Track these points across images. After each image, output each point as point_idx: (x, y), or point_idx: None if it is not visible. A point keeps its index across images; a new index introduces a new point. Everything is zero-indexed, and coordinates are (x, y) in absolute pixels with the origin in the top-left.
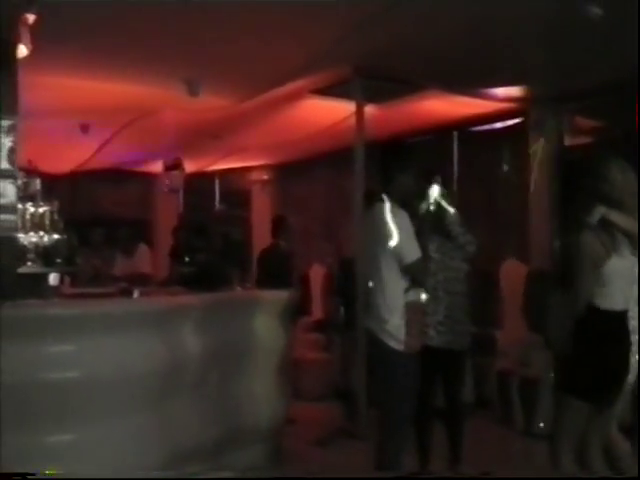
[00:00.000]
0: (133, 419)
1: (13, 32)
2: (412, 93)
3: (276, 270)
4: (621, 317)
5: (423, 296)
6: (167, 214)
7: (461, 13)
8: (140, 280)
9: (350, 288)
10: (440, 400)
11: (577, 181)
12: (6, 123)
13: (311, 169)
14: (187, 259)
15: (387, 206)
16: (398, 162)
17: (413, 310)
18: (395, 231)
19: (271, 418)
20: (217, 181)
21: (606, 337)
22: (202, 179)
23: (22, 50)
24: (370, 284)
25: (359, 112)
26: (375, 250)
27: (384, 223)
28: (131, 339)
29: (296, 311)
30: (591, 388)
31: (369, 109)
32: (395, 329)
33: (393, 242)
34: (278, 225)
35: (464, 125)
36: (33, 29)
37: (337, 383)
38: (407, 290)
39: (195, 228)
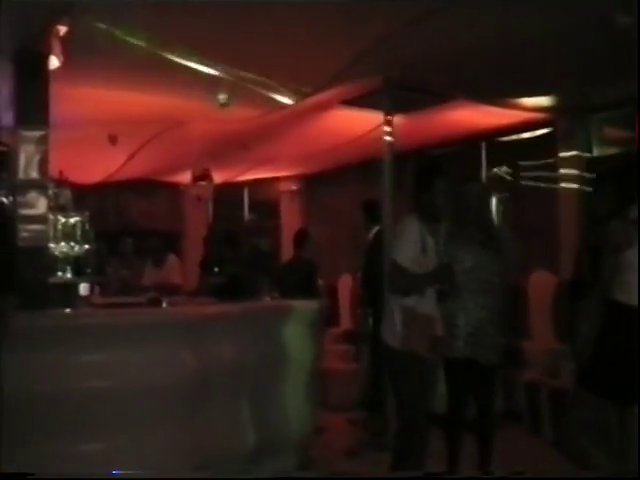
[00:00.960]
0: (164, 429)
1: (45, 44)
2: (441, 103)
3: (299, 283)
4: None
5: (426, 303)
6: (196, 224)
7: (490, 24)
8: (169, 290)
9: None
10: (472, 410)
11: (605, 188)
12: (37, 134)
13: (340, 179)
14: (216, 269)
15: (411, 216)
16: (425, 178)
17: (409, 314)
18: (400, 235)
19: (300, 428)
20: (246, 191)
21: (626, 332)
22: (231, 189)
23: (53, 62)
24: None
25: (388, 122)
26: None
27: (396, 230)
28: (161, 349)
29: (325, 322)
30: (611, 385)
31: (398, 119)
32: (395, 329)
33: (395, 243)
34: (300, 238)
35: (492, 135)
36: (64, 41)
37: (365, 394)
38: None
39: (224, 238)
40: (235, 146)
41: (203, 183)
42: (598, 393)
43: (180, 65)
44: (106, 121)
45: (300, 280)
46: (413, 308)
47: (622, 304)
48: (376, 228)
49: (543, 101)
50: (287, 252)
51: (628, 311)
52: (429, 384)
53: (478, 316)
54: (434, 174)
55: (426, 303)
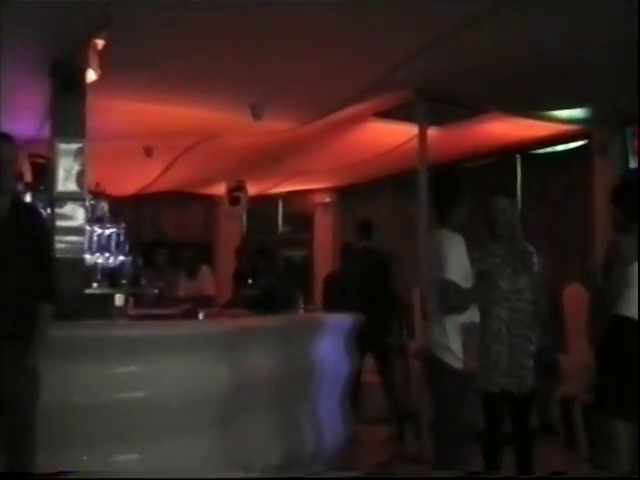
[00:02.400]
0: (198, 440)
1: (82, 58)
2: (475, 116)
3: (371, 274)
4: None
5: (477, 319)
6: (230, 236)
7: (524, 36)
8: (203, 302)
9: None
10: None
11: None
12: (75, 147)
13: (374, 192)
14: (250, 281)
15: (443, 231)
16: (452, 192)
17: (469, 332)
18: (446, 253)
19: (334, 440)
20: (280, 203)
21: (632, 348)
22: (265, 202)
23: (91, 75)
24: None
25: (422, 135)
26: (435, 272)
27: (439, 246)
28: (197, 361)
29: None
30: (623, 403)
31: (432, 132)
32: (454, 349)
33: (443, 262)
34: (366, 228)
35: (527, 148)
36: (102, 54)
37: (398, 406)
38: (460, 312)
39: (258, 250)
40: (269, 158)
41: (237, 195)
42: (610, 412)
43: (214, 78)
44: (141, 133)
45: (373, 271)
46: (471, 325)
47: (627, 318)
48: (363, 243)
49: (578, 113)
50: (321, 264)
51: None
52: (479, 403)
53: (510, 346)
54: (462, 186)
55: (475, 319)
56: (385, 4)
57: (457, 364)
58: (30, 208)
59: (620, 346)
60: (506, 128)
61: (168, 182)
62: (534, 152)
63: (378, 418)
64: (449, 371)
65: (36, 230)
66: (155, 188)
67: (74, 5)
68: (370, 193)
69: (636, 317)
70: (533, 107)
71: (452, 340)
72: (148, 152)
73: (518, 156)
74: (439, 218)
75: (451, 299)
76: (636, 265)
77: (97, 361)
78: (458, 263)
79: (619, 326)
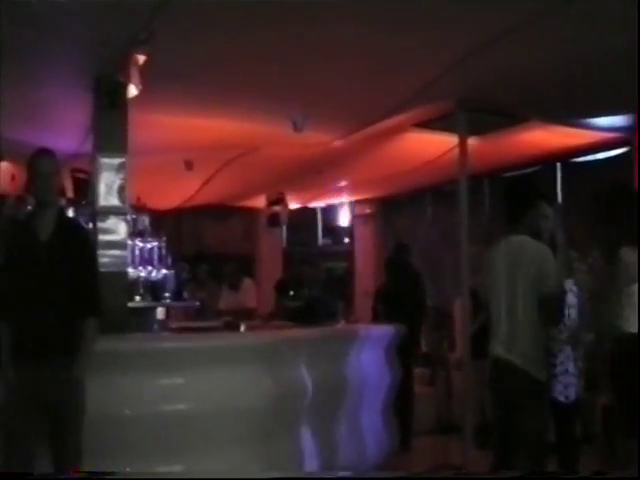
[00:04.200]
0: (240, 451)
1: (124, 73)
2: (515, 125)
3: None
4: None
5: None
6: (270, 249)
7: (564, 44)
8: (245, 314)
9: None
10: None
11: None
12: (116, 161)
13: (414, 203)
14: (292, 293)
15: (525, 238)
16: (526, 196)
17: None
18: (538, 261)
19: (377, 452)
20: (320, 215)
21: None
22: (305, 214)
23: (132, 90)
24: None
25: (462, 145)
26: (515, 281)
27: (526, 254)
28: (239, 372)
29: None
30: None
31: (472, 141)
32: (543, 362)
33: (536, 271)
34: (404, 248)
35: (568, 156)
36: (143, 69)
37: (442, 417)
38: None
39: (300, 262)
40: (309, 171)
41: (278, 207)
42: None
43: (255, 91)
44: (182, 147)
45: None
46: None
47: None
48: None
49: (618, 120)
50: (361, 275)
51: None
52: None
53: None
54: (537, 193)
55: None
56: (425, 16)
57: (543, 377)
58: (75, 223)
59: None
60: (546, 136)
61: (209, 195)
62: (574, 160)
63: (423, 429)
64: (538, 385)
65: (81, 245)
66: (196, 201)
67: (116, 21)
68: (410, 204)
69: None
70: (573, 115)
71: (543, 354)
72: (189, 166)
73: (558, 165)
74: (514, 224)
75: (562, 311)
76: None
77: (141, 374)
78: (554, 274)
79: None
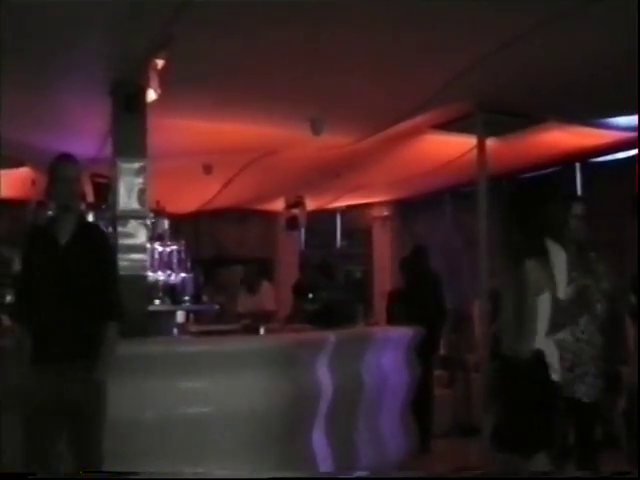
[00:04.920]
0: (262, 453)
1: (143, 77)
2: (533, 125)
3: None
4: None
5: (568, 336)
6: (289, 252)
7: (581, 43)
8: (264, 317)
9: None
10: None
11: None
12: (136, 165)
13: (432, 204)
14: (311, 296)
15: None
16: (544, 194)
17: (563, 346)
18: (551, 265)
19: (396, 454)
20: (338, 218)
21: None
22: (323, 216)
23: (151, 94)
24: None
25: (481, 146)
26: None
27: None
28: (260, 375)
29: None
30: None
31: (490, 143)
32: (555, 363)
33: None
34: (422, 252)
35: (586, 156)
36: (162, 74)
37: (461, 419)
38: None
39: (318, 265)
40: (327, 173)
41: (296, 210)
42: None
43: (273, 94)
44: (201, 151)
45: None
46: (563, 339)
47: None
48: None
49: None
50: (380, 278)
51: None
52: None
53: (577, 351)
54: (559, 193)
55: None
56: (442, 18)
57: (557, 377)
58: (95, 227)
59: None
60: (565, 137)
61: (227, 199)
62: (594, 160)
63: (441, 430)
64: (551, 384)
65: (102, 249)
66: (214, 205)
67: (134, 26)
68: (429, 206)
69: None
70: (592, 115)
71: (553, 354)
72: (207, 169)
73: (577, 165)
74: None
75: (561, 316)
76: None
77: (161, 377)
78: (564, 277)
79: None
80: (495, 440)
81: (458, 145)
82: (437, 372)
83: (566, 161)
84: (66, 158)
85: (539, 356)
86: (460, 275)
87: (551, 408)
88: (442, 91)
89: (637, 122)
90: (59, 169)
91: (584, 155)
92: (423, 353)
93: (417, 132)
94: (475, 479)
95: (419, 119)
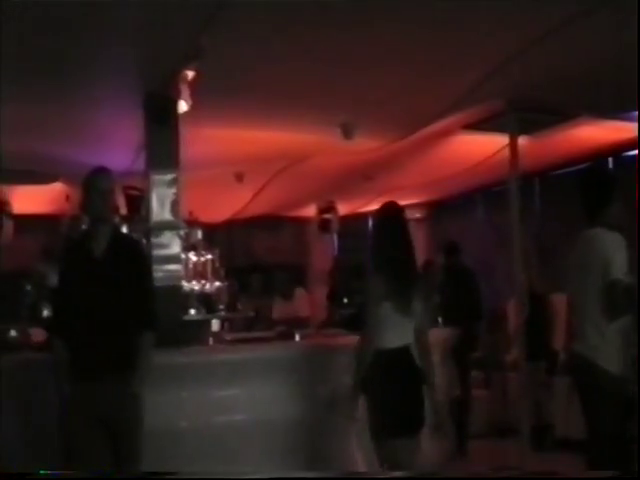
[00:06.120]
0: (295, 459)
1: (174, 89)
2: (565, 122)
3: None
4: None
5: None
6: (322, 257)
7: (610, 38)
8: (298, 323)
9: None
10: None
11: None
12: (168, 177)
13: (465, 205)
14: (345, 301)
15: (598, 230)
16: (605, 188)
17: (624, 336)
18: (609, 252)
19: (431, 455)
20: (371, 222)
21: None
22: (356, 220)
23: (182, 106)
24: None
25: (513, 145)
26: (584, 274)
27: (600, 246)
28: (295, 382)
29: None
30: None
31: (521, 141)
32: (613, 355)
33: (606, 263)
34: (453, 248)
35: (619, 151)
36: (192, 85)
37: (498, 420)
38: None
39: (353, 269)
40: (359, 177)
41: (328, 215)
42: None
43: (303, 100)
44: (232, 160)
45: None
46: (625, 329)
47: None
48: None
49: None
50: None
51: None
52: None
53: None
54: (615, 182)
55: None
56: (471, 17)
57: (615, 370)
58: (130, 239)
59: None
60: (597, 133)
61: (259, 206)
62: (627, 154)
63: (477, 431)
64: (610, 378)
65: (137, 260)
66: (247, 213)
67: (165, 38)
68: (461, 206)
69: None
70: (623, 109)
71: (611, 346)
72: (239, 178)
73: (610, 159)
74: (591, 217)
75: (622, 299)
76: None
77: (197, 386)
78: (622, 263)
79: None
80: None
81: (489, 144)
82: (473, 373)
83: (599, 157)
84: (100, 171)
85: None
86: (494, 274)
87: None
88: (473, 91)
89: (637, 122)
90: (94, 182)
91: (617, 150)
92: (460, 353)
93: (448, 133)
94: (477, 479)
95: (450, 120)
